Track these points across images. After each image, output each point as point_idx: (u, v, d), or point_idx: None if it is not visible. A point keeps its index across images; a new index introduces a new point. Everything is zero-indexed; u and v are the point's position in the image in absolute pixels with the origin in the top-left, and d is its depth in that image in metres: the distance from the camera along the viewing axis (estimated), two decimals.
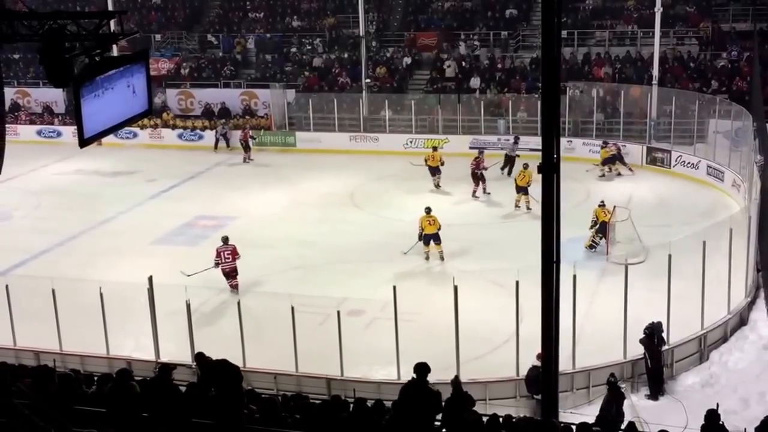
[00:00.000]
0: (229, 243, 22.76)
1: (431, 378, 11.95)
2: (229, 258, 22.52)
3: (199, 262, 23.52)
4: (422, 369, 11.64)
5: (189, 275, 21.35)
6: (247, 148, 37.61)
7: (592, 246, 24.42)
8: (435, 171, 31.56)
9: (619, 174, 32.40)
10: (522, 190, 28.28)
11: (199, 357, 14.26)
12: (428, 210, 24.52)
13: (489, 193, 30.36)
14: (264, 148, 38.69)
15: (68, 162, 36.45)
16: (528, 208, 27.75)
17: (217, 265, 22.46)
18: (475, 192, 30.34)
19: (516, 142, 33.29)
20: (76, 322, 18.86)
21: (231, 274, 22.58)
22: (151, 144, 39.48)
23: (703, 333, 18.75)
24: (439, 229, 24.25)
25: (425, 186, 31.40)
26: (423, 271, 23.73)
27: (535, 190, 26.28)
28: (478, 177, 30.33)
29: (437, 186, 31.47)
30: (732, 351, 18.67)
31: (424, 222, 24.32)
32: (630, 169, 32.60)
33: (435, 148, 33.06)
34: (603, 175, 32.26)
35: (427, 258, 24.37)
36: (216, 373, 11.21)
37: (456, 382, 13.80)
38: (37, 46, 11.87)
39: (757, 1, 39.02)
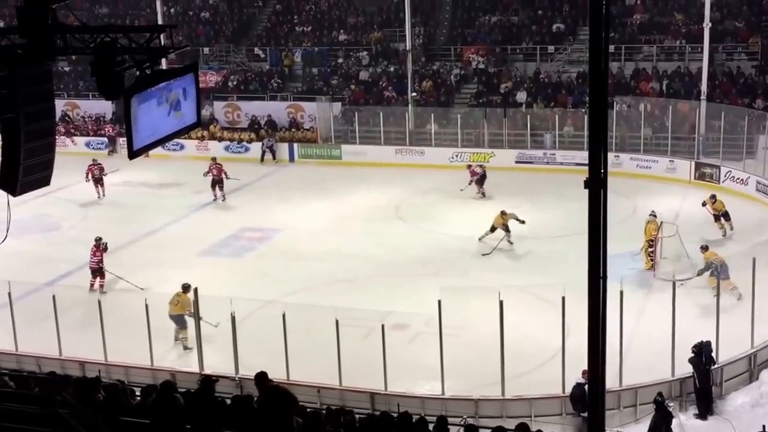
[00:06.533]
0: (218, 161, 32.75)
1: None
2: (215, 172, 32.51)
3: (243, 273, 23.79)
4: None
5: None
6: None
7: (652, 267, 23.78)
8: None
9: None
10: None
11: (261, 378, 12.33)
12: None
13: None
14: (309, 161, 38.89)
15: (116, 173, 36.79)
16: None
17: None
18: None
19: None
20: (122, 333, 19.03)
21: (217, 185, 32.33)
22: (197, 156, 39.74)
23: (753, 352, 18.45)
24: None
25: (471, 200, 31.39)
26: (468, 286, 23.58)
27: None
28: None
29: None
30: None
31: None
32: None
33: None
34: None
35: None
36: (272, 400, 11.04)
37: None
38: (88, 59, 11.98)
39: None
